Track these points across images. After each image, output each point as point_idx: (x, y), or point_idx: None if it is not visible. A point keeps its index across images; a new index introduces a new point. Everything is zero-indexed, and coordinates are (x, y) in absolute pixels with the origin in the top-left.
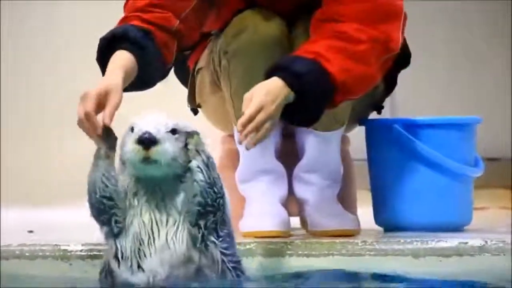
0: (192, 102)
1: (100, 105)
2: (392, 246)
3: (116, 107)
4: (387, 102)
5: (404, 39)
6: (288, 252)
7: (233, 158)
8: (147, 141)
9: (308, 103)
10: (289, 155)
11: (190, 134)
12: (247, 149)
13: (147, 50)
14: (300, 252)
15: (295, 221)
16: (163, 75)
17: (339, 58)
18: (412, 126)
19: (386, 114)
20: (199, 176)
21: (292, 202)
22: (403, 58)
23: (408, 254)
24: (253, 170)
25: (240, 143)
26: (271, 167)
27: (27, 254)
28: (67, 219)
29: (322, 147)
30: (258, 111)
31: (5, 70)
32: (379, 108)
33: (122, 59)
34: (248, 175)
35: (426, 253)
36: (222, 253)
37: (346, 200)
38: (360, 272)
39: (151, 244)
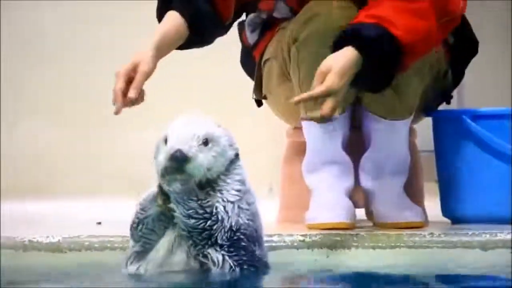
0: (258, 93)
1: (131, 80)
2: (460, 238)
3: (145, 77)
4: (454, 93)
5: (469, 26)
6: (354, 244)
7: (299, 150)
8: (179, 160)
9: (379, 69)
10: (355, 146)
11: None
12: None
13: (199, 9)
14: (366, 244)
15: (361, 213)
16: (221, 31)
17: (402, 18)
18: (481, 117)
19: (453, 105)
20: (175, 211)
21: (358, 194)
22: (471, 46)
23: (476, 247)
24: (319, 161)
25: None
26: (337, 158)
27: (96, 245)
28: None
29: (390, 136)
30: (326, 95)
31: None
32: (448, 98)
33: (165, 23)
34: (315, 166)
35: (495, 245)
36: (226, 254)
37: (413, 192)
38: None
39: (157, 250)
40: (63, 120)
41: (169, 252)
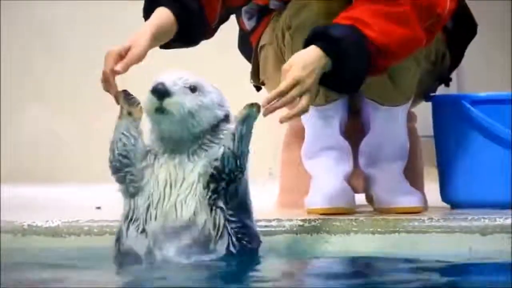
0: (256, 79)
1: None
2: (459, 223)
3: (134, 61)
4: (454, 78)
5: (468, 9)
6: (354, 229)
7: (299, 135)
8: (160, 92)
9: (347, 69)
10: (355, 131)
11: (250, 105)
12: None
13: (187, 6)
14: (365, 229)
15: (361, 198)
16: (207, 34)
17: (379, 21)
18: (480, 102)
19: (453, 89)
20: (229, 143)
21: (358, 179)
22: (469, 28)
23: (475, 232)
24: (318, 146)
25: (265, 115)
26: (336, 144)
27: (95, 230)
28: None
29: (388, 122)
30: (293, 86)
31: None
32: (446, 81)
33: (157, 17)
34: (313, 152)
35: (494, 230)
36: (226, 219)
37: (412, 176)
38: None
39: (160, 205)
40: (63, 106)
41: (165, 215)
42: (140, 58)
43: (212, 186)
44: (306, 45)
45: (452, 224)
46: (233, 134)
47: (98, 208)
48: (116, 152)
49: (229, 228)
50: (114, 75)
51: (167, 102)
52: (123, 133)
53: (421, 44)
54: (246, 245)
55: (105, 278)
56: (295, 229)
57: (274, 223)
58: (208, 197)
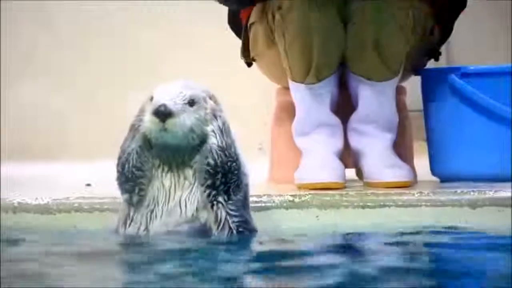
0: (246, 56)
1: None
2: (448, 196)
3: None
4: (443, 52)
5: None
6: (344, 204)
7: (288, 110)
8: (163, 114)
9: None
10: (345, 106)
11: (206, 98)
12: None
13: None
14: (355, 204)
15: (351, 173)
16: None
17: None
18: (469, 75)
19: (442, 63)
20: (212, 140)
21: (348, 154)
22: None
23: (465, 205)
24: (309, 123)
25: None
26: (326, 120)
27: (85, 207)
28: None
29: (377, 97)
30: None
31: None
32: (436, 55)
33: None
34: (304, 128)
35: (484, 203)
36: (228, 213)
37: (402, 151)
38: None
39: (165, 204)
40: (53, 84)
41: (170, 215)
42: None
43: (209, 182)
44: None
45: (441, 198)
46: (213, 131)
47: (88, 185)
48: (131, 164)
49: (230, 221)
50: None
51: (170, 123)
52: (139, 146)
53: None
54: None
55: (96, 254)
56: (285, 204)
57: (264, 199)
58: (207, 193)
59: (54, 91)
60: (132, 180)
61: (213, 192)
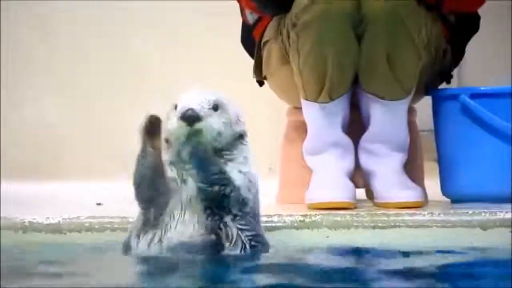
0: (258, 74)
1: None
2: (459, 217)
3: None
4: (454, 72)
5: None
6: (354, 224)
7: (300, 130)
8: (191, 118)
9: None
10: (356, 125)
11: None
12: None
13: None
14: (366, 224)
15: (361, 193)
16: None
17: None
18: (480, 96)
19: (452, 83)
20: (194, 177)
21: (358, 174)
22: (472, 23)
23: (476, 226)
24: (320, 142)
25: None
26: (338, 140)
27: (96, 226)
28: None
29: (388, 116)
30: None
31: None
32: (448, 78)
33: None
34: (315, 148)
35: (495, 224)
36: (238, 228)
37: (413, 171)
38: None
39: (181, 216)
40: (64, 102)
41: (185, 226)
42: None
43: (208, 211)
44: None
45: (452, 219)
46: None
47: (99, 204)
48: (146, 187)
49: (242, 236)
50: None
51: (198, 127)
52: (151, 168)
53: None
54: (258, 251)
55: (105, 275)
56: (296, 224)
57: (274, 219)
58: (210, 218)
59: (61, 110)
60: (148, 201)
61: (216, 217)
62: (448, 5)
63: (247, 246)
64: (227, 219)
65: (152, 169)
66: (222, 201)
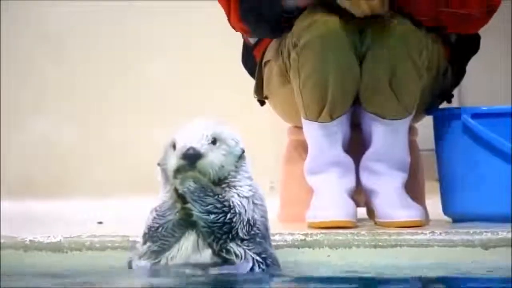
0: (259, 94)
1: None
2: (461, 237)
3: None
4: (455, 91)
5: None
6: (355, 243)
7: (301, 149)
8: (193, 157)
9: None
10: (357, 144)
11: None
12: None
13: None
14: (367, 243)
15: (363, 212)
16: None
17: None
18: (481, 115)
19: (453, 103)
20: (193, 210)
21: (359, 193)
22: (473, 42)
23: (477, 245)
24: (321, 162)
25: None
26: (339, 159)
27: (97, 245)
28: (135, 210)
29: (390, 136)
30: None
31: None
32: (448, 97)
33: None
34: (317, 167)
35: (497, 244)
36: (247, 249)
37: (414, 190)
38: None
39: (186, 241)
40: (64, 120)
41: (195, 249)
42: None
43: (212, 235)
44: None
45: (454, 238)
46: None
47: (100, 223)
48: (159, 235)
49: (251, 257)
50: None
51: (200, 164)
52: (156, 210)
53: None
54: (268, 267)
55: None
56: (296, 243)
57: (276, 237)
58: (215, 242)
59: (63, 128)
60: (161, 239)
61: (221, 241)
62: (450, 28)
63: (256, 267)
64: (234, 242)
65: (159, 212)
66: (224, 226)
